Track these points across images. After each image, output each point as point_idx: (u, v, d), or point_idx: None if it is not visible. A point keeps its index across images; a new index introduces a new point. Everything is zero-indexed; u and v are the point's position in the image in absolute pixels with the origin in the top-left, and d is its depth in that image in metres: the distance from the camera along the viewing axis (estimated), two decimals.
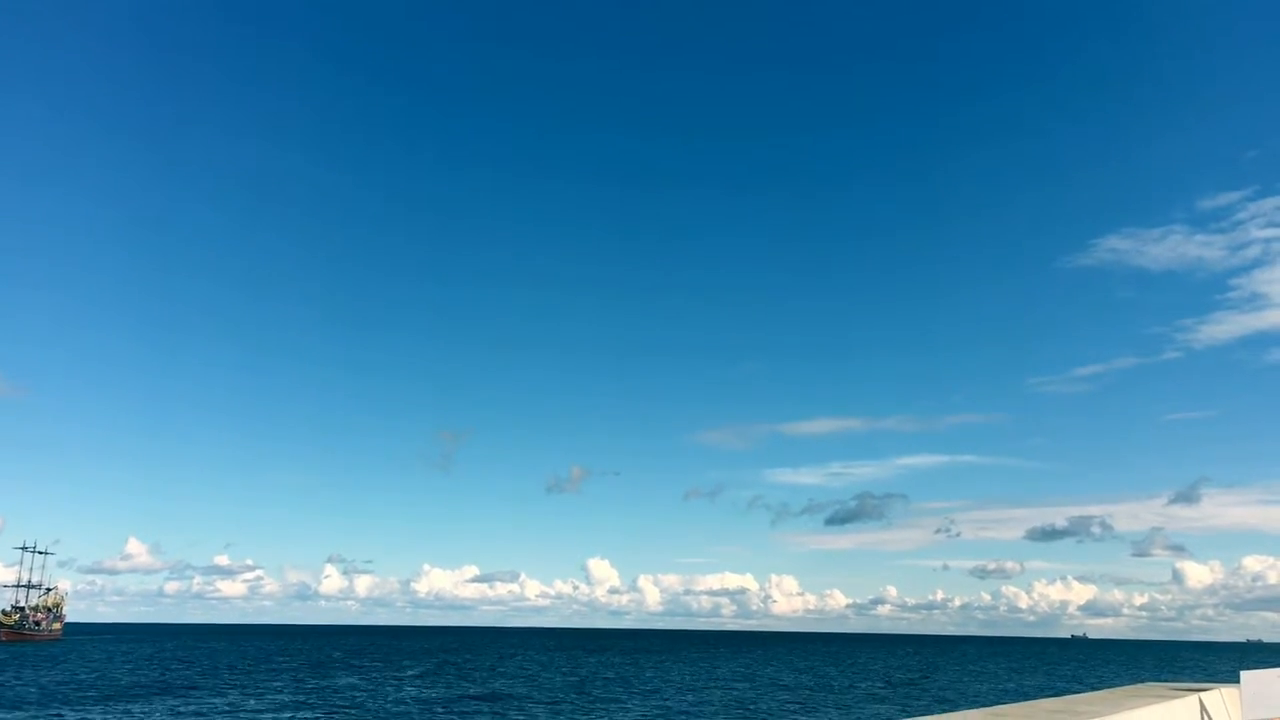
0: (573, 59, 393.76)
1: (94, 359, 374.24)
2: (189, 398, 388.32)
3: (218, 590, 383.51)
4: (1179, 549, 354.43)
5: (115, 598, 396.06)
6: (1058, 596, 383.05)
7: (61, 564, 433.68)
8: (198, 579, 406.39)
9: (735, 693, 61.68)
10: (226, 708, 47.46)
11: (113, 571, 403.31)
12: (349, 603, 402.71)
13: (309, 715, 44.52)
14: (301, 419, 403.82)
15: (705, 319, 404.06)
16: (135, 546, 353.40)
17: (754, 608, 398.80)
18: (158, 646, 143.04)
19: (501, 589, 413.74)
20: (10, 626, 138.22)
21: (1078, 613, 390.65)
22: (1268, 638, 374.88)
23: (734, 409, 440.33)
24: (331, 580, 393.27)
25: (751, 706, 51.68)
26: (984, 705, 15.32)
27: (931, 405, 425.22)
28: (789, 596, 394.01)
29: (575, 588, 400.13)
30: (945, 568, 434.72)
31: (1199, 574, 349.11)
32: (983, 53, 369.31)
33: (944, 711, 11.16)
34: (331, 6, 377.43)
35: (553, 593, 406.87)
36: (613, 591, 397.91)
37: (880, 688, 69.04)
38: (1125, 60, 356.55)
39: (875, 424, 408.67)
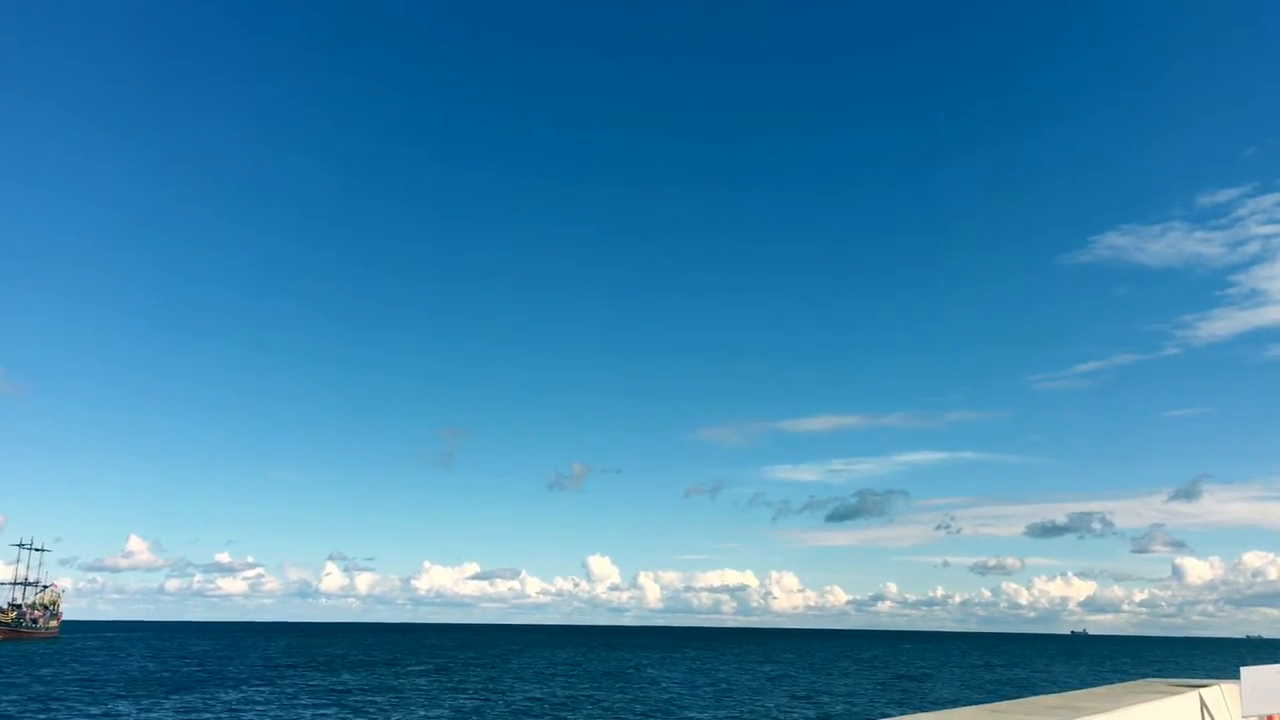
0: (575, 60, 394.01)
1: (95, 358, 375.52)
2: (190, 396, 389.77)
3: (218, 588, 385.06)
4: (1179, 545, 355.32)
5: (116, 595, 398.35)
6: (1058, 593, 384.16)
7: (63, 562, 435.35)
8: (199, 577, 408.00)
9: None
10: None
11: (114, 569, 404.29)
12: (350, 600, 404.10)
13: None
14: (303, 417, 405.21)
15: (706, 317, 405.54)
16: (136, 544, 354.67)
17: (754, 604, 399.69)
18: (160, 645, 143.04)
19: (502, 586, 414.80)
20: (7, 625, 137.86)
21: (1078, 609, 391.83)
22: (1267, 634, 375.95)
23: (735, 406, 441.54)
24: (332, 578, 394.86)
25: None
26: (984, 702, 15.31)
27: (932, 402, 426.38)
28: (789, 593, 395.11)
29: (576, 585, 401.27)
30: (945, 564, 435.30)
31: (1199, 570, 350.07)
32: (982, 52, 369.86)
33: (944, 708, 11.14)
34: (331, 6, 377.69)
35: (553, 590, 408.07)
36: (613, 588, 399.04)
37: (885, 681, 69.14)
38: (1124, 59, 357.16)
39: (875, 421, 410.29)
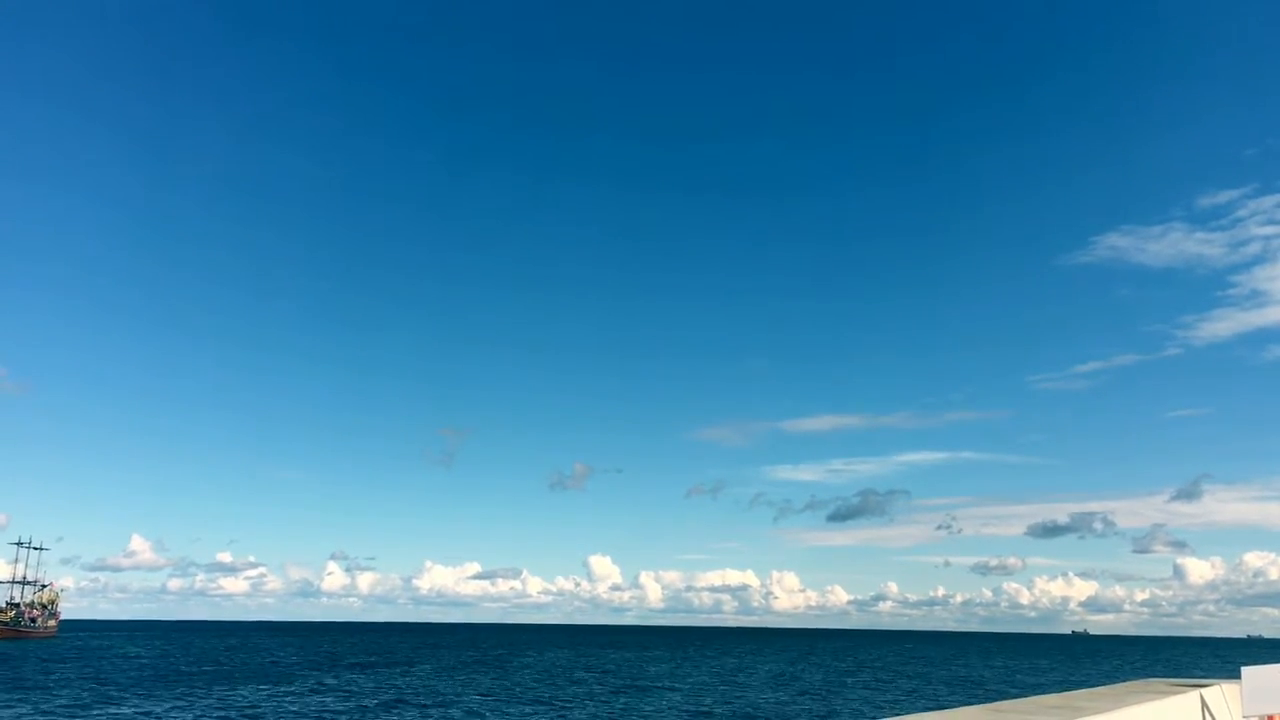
0: (575, 62, 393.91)
1: (98, 357, 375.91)
2: (193, 396, 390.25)
3: (220, 587, 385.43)
4: (1180, 545, 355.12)
5: (118, 595, 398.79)
6: (1059, 593, 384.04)
7: (65, 561, 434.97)
8: (200, 576, 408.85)
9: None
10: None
11: (116, 569, 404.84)
12: (351, 600, 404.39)
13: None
14: (305, 417, 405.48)
15: (707, 318, 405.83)
16: (139, 544, 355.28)
17: (755, 604, 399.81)
18: (165, 643, 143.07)
19: (504, 585, 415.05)
20: (5, 624, 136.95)
21: (1079, 609, 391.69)
22: (1269, 633, 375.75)
23: (736, 406, 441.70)
24: (334, 577, 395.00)
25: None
26: (985, 701, 15.32)
27: (932, 402, 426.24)
28: (790, 593, 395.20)
29: (577, 584, 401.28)
30: (946, 564, 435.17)
31: (1200, 570, 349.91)
32: (983, 54, 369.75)
33: (944, 708, 11.16)
34: (331, 7, 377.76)
35: (555, 589, 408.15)
36: (614, 588, 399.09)
37: (884, 680, 69.16)
38: (1125, 59, 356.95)
39: (876, 421, 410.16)
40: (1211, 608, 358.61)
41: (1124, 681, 16.40)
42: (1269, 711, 12.30)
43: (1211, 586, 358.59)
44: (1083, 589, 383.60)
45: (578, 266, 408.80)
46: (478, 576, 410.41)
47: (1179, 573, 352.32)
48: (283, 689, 57.21)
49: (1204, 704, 13.14)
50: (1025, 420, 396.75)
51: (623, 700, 51.90)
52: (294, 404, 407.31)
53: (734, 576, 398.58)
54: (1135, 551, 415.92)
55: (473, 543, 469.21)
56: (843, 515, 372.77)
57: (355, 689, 57.82)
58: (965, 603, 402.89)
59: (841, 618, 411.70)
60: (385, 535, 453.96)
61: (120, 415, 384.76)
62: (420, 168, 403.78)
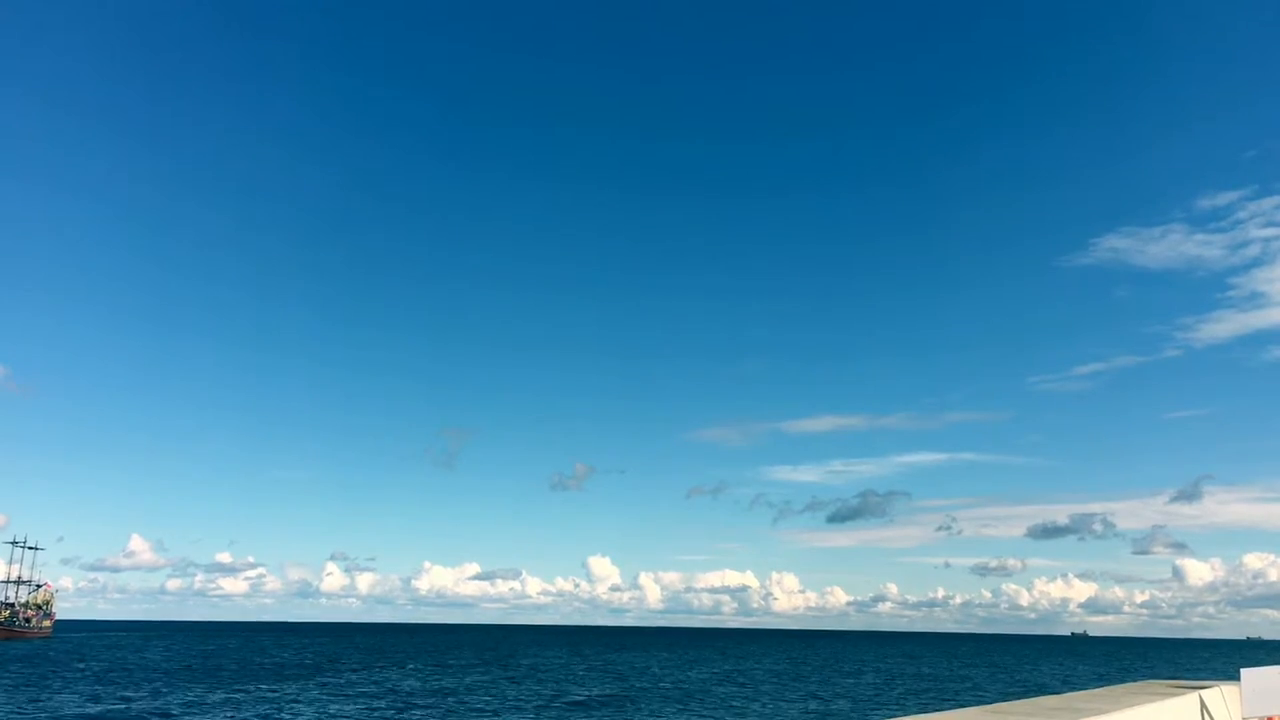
0: (577, 62, 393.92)
1: (98, 358, 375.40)
2: (193, 396, 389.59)
3: (220, 588, 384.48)
4: (1180, 546, 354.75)
5: (117, 595, 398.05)
6: (1059, 594, 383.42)
7: (65, 561, 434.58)
8: (200, 576, 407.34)
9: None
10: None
11: (115, 569, 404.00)
12: (350, 600, 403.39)
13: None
14: (305, 418, 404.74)
15: (707, 318, 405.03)
16: (138, 544, 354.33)
17: (755, 605, 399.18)
18: (164, 644, 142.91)
19: (503, 586, 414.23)
20: (0, 624, 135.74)
21: (1079, 610, 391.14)
22: (1268, 635, 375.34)
23: (736, 407, 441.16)
24: (333, 578, 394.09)
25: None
26: (985, 703, 15.34)
27: (932, 403, 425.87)
28: (790, 594, 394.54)
29: (576, 585, 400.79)
30: (946, 565, 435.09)
31: (1200, 571, 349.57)
32: (982, 54, 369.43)
33: (945, 709, 11.17)
34: (331, 7, 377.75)
35: (554, 590, 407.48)
36: (614, 589, 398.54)
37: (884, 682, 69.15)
38: (1124, 61, 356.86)
39: (876, 422, 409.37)
40: (1211, 609, 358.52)
41: (1123, 683, 16.42)
42: (1268, 713, 12.32)
43: (1211, 588, 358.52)
44: (1082, 590, 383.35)
45: (580, 267, 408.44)
46: (477, 577, 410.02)
47: (1179, 574, 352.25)
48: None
49: (1203, 706, 13.15)
50: (1025, 421, 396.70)
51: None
52: (295, 405, 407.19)
53: (733, 577, 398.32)
54: (1135, 553, 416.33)
55: (472, 543, 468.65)
56: (842, 516, 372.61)
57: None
58: (965, 604, 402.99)
59: (841, 619, 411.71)
60: (385, 536, 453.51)
61: (121, 416, 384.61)
62: (422, 168, 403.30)
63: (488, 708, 47.78)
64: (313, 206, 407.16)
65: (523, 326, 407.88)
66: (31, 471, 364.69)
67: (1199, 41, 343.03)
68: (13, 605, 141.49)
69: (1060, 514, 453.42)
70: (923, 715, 9.40)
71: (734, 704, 51.32)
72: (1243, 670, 12.73)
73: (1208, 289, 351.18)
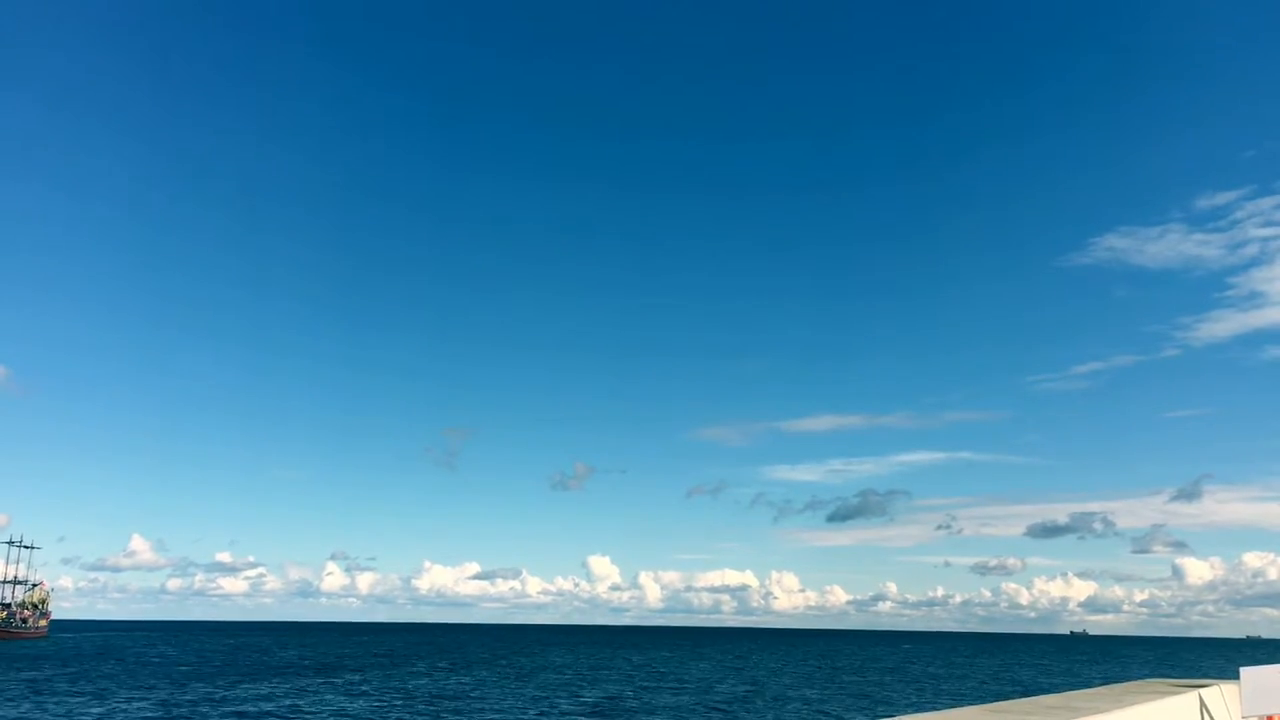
0: (576, 63, 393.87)
1: (98, 358, 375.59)
2: (193, 396, 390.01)
3: (220, 587, 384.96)
4: (1180, 545, 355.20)
5: (117, 594, 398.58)
6: (1058, 593, 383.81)
7: (66, 561, 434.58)
8: (200, 576, 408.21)
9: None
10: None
11: (116, 569, 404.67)
12: (350, 600, 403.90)
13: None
14: (306, 417, 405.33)
15: (707, 318, 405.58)
16: (139, 544, 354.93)
17: (754, 604, 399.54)
18: (164, 643, 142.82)
19: (503, 586, 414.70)
20: None
21: (1078, 609, 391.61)
22: (1268, 634, 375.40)
23: (736, 406, 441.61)
24: (333, 577, 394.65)
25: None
26: (984, 702, 15.32)
27: (931, 403, 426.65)
28: (789, 593, 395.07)
29: (576, 585, 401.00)
30: (946, 564, 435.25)
31: (1199, 570, 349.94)
32: (982, 56, 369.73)
33: (944, 708, 11.15)
34: (331, 6, 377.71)
35: (554, 589, 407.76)
36: (614, 588, 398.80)
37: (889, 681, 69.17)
38: (1123, 61, 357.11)
39: (876, 421, 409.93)
40: (1211, 608, 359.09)
41: (1123, 682, 16.41)
42: (1268, 712, 12.31)
43: (1210, 587, 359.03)
44: (1082, 589, 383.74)
45: (580, 266, 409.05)
46: (477, 577, 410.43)
47: (1178, 573, 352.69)
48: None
49: (1203, 704, 13.14)
50: (1025, 420, 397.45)
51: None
52: (295, 404, 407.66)
53: (733, 577, 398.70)
54: (1134, 552, 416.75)
55: (472, 543, 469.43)
56: (842, 515, 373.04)
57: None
58: (964, 603, 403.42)
59: (840, 618, 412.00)
60: (385, 535, 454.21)
61: (122, 416, 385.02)
62: (423, 167, 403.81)
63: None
64: (313, 206, 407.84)
65: (524, 326, 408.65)
66: (32, 471, 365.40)
67: (1197, 42, 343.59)
68: (9, 605, 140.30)
69: (1060, 513, 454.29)
70: (922, 714, 9.39)
71: (745, 702, 51.38)
72: (1242, 669, 12.72)
73: (1206, 288, 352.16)
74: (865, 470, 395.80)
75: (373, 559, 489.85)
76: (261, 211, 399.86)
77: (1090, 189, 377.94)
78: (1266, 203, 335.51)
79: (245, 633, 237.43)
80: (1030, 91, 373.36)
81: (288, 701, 49.16)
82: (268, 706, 46.53)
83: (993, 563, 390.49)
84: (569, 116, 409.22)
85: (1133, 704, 11.30)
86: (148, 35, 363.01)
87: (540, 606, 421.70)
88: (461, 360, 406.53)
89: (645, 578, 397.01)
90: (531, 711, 45.68)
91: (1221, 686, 14.34)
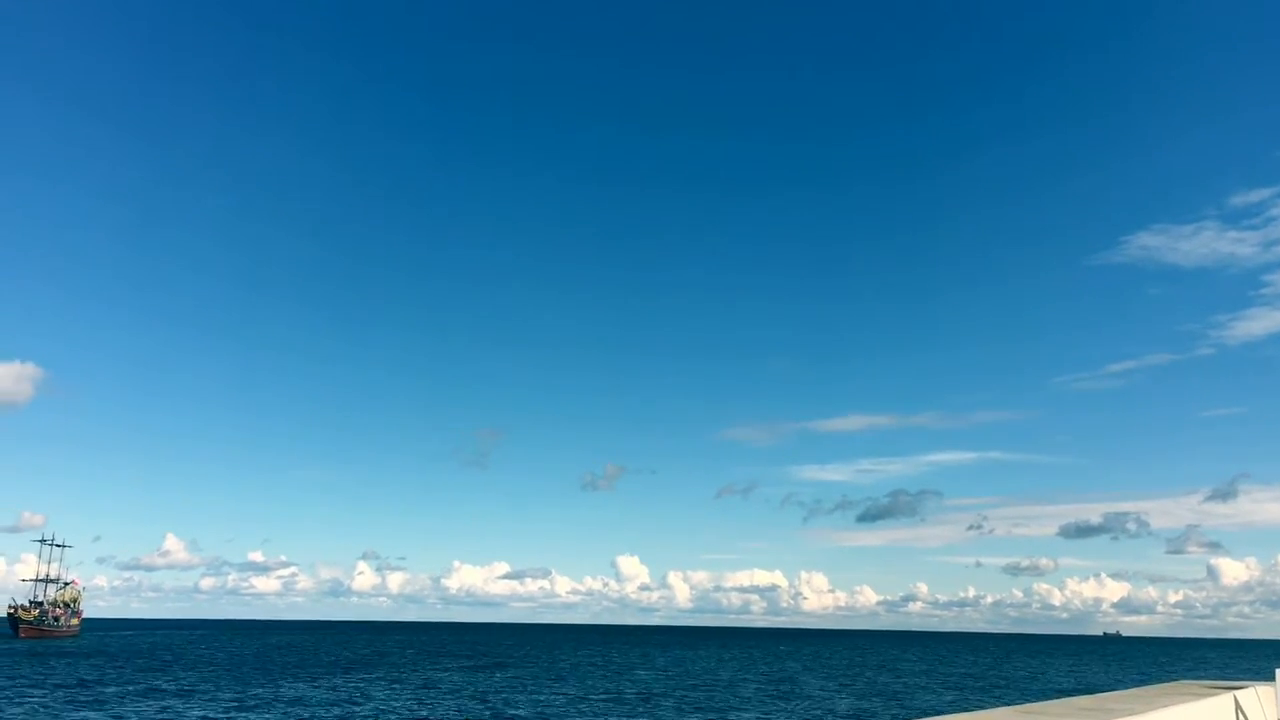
0: (591, 58, 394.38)
1: (134, 360, 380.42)
2: (227, 398, 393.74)
3: (252, 586, 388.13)
4: (1215, 546, 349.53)
5: (151, 594, 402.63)
6: (1091, 594, 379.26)
7: (100, 560, 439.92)
8: (233, 575, 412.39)
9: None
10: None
11: (150, 568, 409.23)
12: (381, 599, 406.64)
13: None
14: (338, 418, 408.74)
15: (736, 318, 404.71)
16: (173, 543, 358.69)
17: (784, 604, 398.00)
18: (190, 640, 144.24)
19: (532, 585, 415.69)
20: (30, 623, 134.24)
21: (1111, 610, 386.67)
22: None
23: (765, 406, 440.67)
24: (364, 577, 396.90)
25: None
26: (1017, 703, 15.42)
27: (960, 402, 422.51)
28: (819, 593, 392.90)
29: (605, 584, 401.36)
30: (978, 565, 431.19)
31: (1235, 571, 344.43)
32: (1013, 49, 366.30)
33: (976, 709, 11.28)
34: (331, 6, 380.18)
35: (583, 589, 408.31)
36: (643, 588, 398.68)
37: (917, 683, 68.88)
38: (1157, 57, 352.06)
39: (905, 421, 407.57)
40: (1246, 609, 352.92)
41: (1157, 684, 16.40)
42: None
43: (1246, 588, 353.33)
44: (1115, 590, 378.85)
45: (611, 268, 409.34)
46: (506, 576, 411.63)
47: (1213, 574, 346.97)
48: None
49: (1238, 706, 13.15)
50: (1056, 420, 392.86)
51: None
52: (327, 405, 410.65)
53: (762, 577, 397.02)
54: (1169, 552, 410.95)
55: (502, 543, 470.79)
56: (872, 515, 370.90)
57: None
58: (996, 604, 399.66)
59: (870, 618, 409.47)
60: (415, 535, 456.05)
61: (156, 417, 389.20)
62: (438, 168, 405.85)
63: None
64: (346, 211, 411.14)
65: (556, 327, 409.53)
66: (69, 472, 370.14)
67: (1232, 36, 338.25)
68: (42, 604, 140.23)
69: (1093, 513, 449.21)
70: (955, 715, 9.52)
71: (777, 702, 51.43)
72: (1278, 671, 12.72)
73: (1241, 286, 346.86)
74: (895, 470, 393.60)
75: (403, 559, 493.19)
76: (293, 217, 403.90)
77: (1122, 186, 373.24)
78: None
79: (279, 631, 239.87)
80: (1062, 86, 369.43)
81: (337, 694, 49.79)
82: (318, 698, 47.12)
83: (1025, 563, 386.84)
84: (598, 114, 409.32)
85: (1167, 706, 11.35)
86: (150, 32, 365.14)
87: (569, 606, 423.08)
88: (493, 361, 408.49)
89: (674, 578, 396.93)
90: (573, 711, 45.98)
91: (1257, 688, 14.31)
